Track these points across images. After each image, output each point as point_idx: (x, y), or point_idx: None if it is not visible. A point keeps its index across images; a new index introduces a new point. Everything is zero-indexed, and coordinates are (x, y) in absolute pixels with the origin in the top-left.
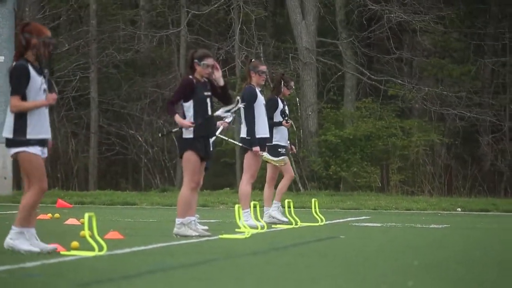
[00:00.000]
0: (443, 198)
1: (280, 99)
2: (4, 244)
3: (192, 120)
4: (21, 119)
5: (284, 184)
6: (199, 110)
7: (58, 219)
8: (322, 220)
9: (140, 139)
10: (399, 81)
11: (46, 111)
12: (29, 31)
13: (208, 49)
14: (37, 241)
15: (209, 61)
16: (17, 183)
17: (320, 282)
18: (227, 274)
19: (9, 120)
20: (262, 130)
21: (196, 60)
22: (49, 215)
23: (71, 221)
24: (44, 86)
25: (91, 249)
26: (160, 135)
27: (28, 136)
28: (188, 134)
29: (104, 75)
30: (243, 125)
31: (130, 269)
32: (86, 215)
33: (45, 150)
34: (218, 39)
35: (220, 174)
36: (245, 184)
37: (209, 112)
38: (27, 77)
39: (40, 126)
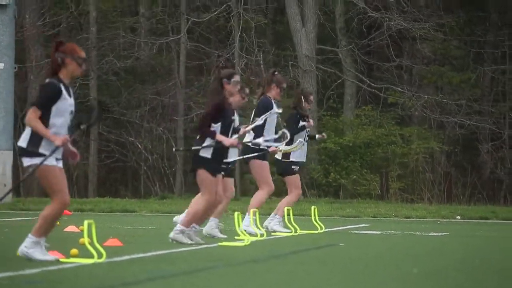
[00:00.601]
0: (442, 206)
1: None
2: (19, 251)
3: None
4: (38, 136)
5: (289, 200)
6: (224, 132)
7: (57, 227)
8: (321, 228)
9: (139, 146)
10: (399, 88)
11: (65, 130)
12: (63, 51)
13: (208, 57)
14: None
15: (237, 77)
16: (17, 190)
17: None
18: (226, 282)
19: (28, 130)
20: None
21: (225, 79)
22: None
23: (71, 228)
24: (72, 108)
25: (91, 256)
26: (174, 150)
27: (41, 150)
28: (205, 153)
29: (103, 82)
30: (250, 133)
31: (129, 277)
32: (86, 223)
33: (60, 162)
34: (218, 46)
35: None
36: (262, 194)
37: (229, 136)
38: (57, 96)
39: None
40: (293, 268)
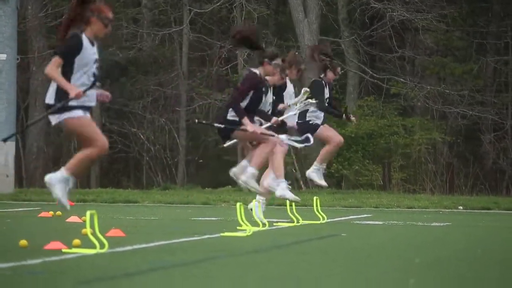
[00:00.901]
0: (444, 196)
1: (325, 82)
2: (46, 177)
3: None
4: (55, 81)
5: (327, 149)
6: (251, 108)
7: (59, 217)
8: (323, 218)
9: (142, 137)
10: (401, 79)
11: (90, 80)
12: (90, 9)
13: (210, 48)
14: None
15: (279, 60)
16: (19, 181)
17: (321, 280)
18: (228, 272)
19: (53, 86)
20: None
21: (266, 60)
22: (51, 212)
23: (73, 218)
24: (96, 56)
25: (93, 246)
26: (197, 122)
27: (70, 103)
28: (232, 116)
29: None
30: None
31: (131, 267)
32: (88, 213)
33: (87, 113)
34: (220, 37)
35: (222, 172)
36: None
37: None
38: (80, 47)
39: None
40: (295, 259)
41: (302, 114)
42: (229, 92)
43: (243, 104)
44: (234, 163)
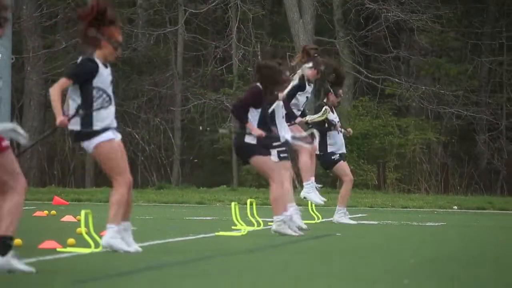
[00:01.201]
0: (439, 196)
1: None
2: (102, 243)
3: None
4: (86, 111)
5: (345, 189)
6: (263, 121)
7: (54, 216)
8: (318, 218)
9: (137, 136)
10: (396, 79)
11: (111, 107)
12: (101, 33)
13: (205, 48)
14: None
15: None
16: None
17: (316, 280)
18: (223, 272)
19: (73, 112)
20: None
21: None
22: (46, 212)
23: (68, 218)
24: (111, 77)
25: (88, 246)
26: (200, 128)
27: (95, 127)
28: (251, 140)
29: None
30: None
31: (126, 266)
32: (83, 212)
33: (118, 134)
34: (215, 37)
35: (217, 172)
36: (302, 156)
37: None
38: (95, 72)
39: (106, 118)
40: (290, 258)
41: (323, 145)
42: (224, 92)
43: (256, 117)
44: (229, 163)
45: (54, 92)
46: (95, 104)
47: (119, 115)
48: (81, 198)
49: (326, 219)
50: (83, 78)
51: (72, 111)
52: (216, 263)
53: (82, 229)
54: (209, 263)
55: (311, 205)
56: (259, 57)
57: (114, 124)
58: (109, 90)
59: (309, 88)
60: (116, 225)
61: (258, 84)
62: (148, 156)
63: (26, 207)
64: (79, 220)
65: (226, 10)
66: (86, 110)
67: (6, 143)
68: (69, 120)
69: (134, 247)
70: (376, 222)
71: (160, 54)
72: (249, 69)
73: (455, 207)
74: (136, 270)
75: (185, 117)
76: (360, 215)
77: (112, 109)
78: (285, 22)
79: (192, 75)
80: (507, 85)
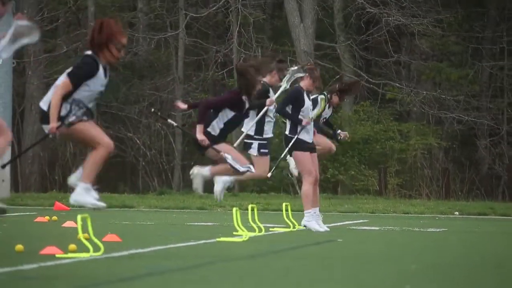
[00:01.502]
0: (440, 202)
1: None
2: (70, 199)
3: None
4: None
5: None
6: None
7: (55, 222)
8: None
9: (138, 141)
10: (397, 84)
11: (90, 104)
12: (106, 35)
13: (206, 52)
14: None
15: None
16: (15, 186)
17: (317, 286)
18: (225, 278)
19: (50, 93)
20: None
21: (279, 64)
22: (47, 217)
23: (69, 223)
24: (103, 88)
25: (88, 250)
26: (152, 110)
27: (62, 114)
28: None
29: None
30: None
31: (127, 272)
32: (79, 217)
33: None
34: (216, 41)
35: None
36: (304, 185)
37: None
38: (94, 73)
39: (78, 106)
40: (291, 264)
41: (293, 128)
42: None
43: (224, 119)
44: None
45: (57, 97)
46: (73, 115)
47: (120, 120)
48: None
49: (327, 225)
50: (82, 81)
51: (49, 95)
52: (217, 269)
53: (80, 234)
54: (210, 269)
55: None
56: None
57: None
58: (93, 97)
59: (308, 103)
60: (87, 183)
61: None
62: (149, 161)
63: (28, 213)
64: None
65: (227, 14)
66: (71, 120)
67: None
68: (57, 128)
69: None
70: (377, 228)
71: (161, 58)
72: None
73: (457, 212)
74: (137, 275)
75: (186, 122)
76: (361, 220)
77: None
78: (286, 27)
79: (193, 80)
80: (508, 90)
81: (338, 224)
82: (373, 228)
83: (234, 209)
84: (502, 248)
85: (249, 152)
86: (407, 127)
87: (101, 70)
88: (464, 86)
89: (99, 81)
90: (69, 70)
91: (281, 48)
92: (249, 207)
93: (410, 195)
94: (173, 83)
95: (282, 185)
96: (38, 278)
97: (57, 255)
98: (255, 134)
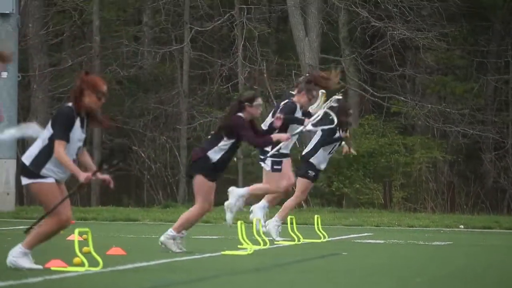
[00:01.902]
0: (445, 215)
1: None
2: (7, 261)
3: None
4: (44, 157)
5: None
6: (233, 150)
7: (60, 235)
8: (324, 237)
9: (143, 155)
10: (402, 98)
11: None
12: (85, 82)
13: (211, 66)
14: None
15: (259, 101)
16: (20, 199)
17: None
18: None
19: (36, 146)
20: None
21: (247, 103)
22: None
23: (74, 237)
24: (81, 143)
25: (95, 264)
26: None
27: (42, 173)
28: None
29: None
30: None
31: (132, 285)
32: (76, 231)
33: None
34: (221, 55)
35: (223, 191)
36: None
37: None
38: (71, 125)
39: (58, 170)
40: (296, 277)
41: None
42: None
43: (226, 147)
44: (235, 181)
45: (61, 155)
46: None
47: (125, 133)
48: (87, 216)
49: (332, 239)
50: (66, 133)
51: (34, 148)
52: (221, 282)
53: (76, 248)
54: (214, 282)
55: (317, 224)
56: (265, 75)
57: (64, 175)
58: (74, 151)
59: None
60: (26, 248)
61: (241, 114)
62: (154, 174)
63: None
64: (85, 239)
65: (231, 28)
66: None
67: None
68: (93, 175)
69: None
70: (382, 241)
71: (166, 72)
72: (254, 87)
73: (462, 226)
74: None
75: (191, 135)
76: (366, 234)
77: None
78: (290, 40)
79: (197, 93)
80: None
81: (343, 237)
82: (378, 241)
83: (239, 222)
84: (507, 262)
85: (262, 165)
86: (412, 141)
87: (77, 123)
88: (469, 99)
89: (75, 134)
90: (52, 127)
91: (286, 61)
92: (254, 220)
93: (415, 209)
94: (178, 96)
95: (286, 197)
96: None
97: (60, 268)
98: (271, 149)
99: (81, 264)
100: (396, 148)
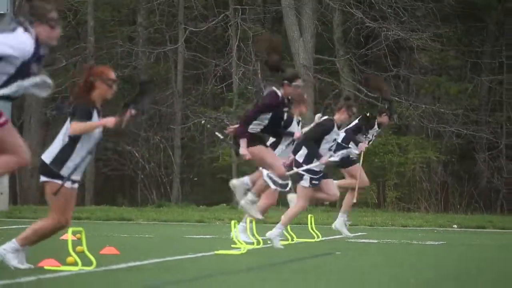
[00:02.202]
0: (439, 215)
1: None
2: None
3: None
4: (65, 156)
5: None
6: (270, 127)
7: (54, 234)
8: (318, 236)
9: (137, 155)
10: (396, 98)
11: (88, 159)
12: (92, 74)
13: (205, 66)
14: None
15: (299, 82)
16: (14, 198)
17: None
18: None
19: (55, 148)
20: None
21: (286, 81)
22: None
23: (67, 236)
24: (100, 134)
25: (88, 264)
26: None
27: (62, 172)
28: None
29: None
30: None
31: (125, 285)
32: (70, 230)
33: (76, 184)
34: (215, 55)
35: (217, 190)
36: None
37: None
38: (89, 118)
39: (76, 171)
40: (289, 277)
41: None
42: (224, 110)
43: (262, 124)
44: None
45: (80, 126)
46: (76, 151)
47: (119, 133)
48: (80, 216)
49: (326, 238)
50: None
51: (55, 146)
52: (215, 282)
53: (69, 247)
54: (208, 281)
55: (311, 223)
56: (259, 75)
57: (79, 176)
58: (93, 142)
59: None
60: (20, 245)
61: (277, 91)
62: (148, 174)
63: (26, 225)
64: (79, 238)
65: (226, 28)
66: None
67: (4, 118)
68: (119, 117)
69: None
70: (376, 241)
71: (160, 72)
72: (249, 87)
73: (455, 226)
74: None
75: (185, 135)
76: (360, 233)
77: (86, 163)
78: (285, 41)
79: (192, 93)
80: (507, 104)
81: (337, 237)
82: (371, 241)
83: (233, 221)
84: (501, 261)
85: (300, 183)
86: (406, 141)
87: (94, 115)
88: (463, 100)
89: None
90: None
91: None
92: (248, 219)
93: (409, 208)
94: (172, 96)
95: (280, 198)
96: None
97: (52, 268)
98: (304, 162)
99: (75, 264)
100: (390, 148)
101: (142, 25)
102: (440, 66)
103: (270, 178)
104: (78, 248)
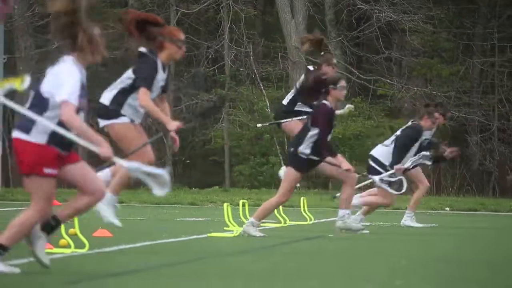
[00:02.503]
0: (431, 198)
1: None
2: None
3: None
4: (124, 96)
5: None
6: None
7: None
8: (310, 219)
9: None
10: (388, 80)
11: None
12: (162, 34)
13: (197, 48)
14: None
15: (343, 83)
16: (6, 180)
17: (308, 281)
18: (215, 273)
19: (114, 90)
20: None
21: (331, 86)
22: None
23: None
24: (163, 83)
25: (80, 246)
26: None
27: (122, 112)
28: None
29: (93, 73)
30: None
31: (118, 267)
32: None
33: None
34: (207, 38)
35: (209, 173)
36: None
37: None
38: (155, 72)
39: (135, 110)
40: (281, 259)
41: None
42: (216, 92)
43: (315, 137)
44: (221, 164)
45: (146, 102)
46: (130, 99)
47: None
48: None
49: (318, 221)
50: (152, 82)
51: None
52: (208, 264)
53: (62, 230)
54: (201, 264)
55: (304, 206)
56: (251, 57)
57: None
58: (155, 94)
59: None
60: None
61: (327, 102)
62: None
63: (18, 208)
64: (71, 221)
65: (218, 10)
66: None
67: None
68: (184, 124)
69: None
70: (368, 223)
71: None
72: (241, 69)
73: (447, 208)
74: (128, 271)
75: (177, 118)
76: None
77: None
78: (277, 23)
79: (184, 76)
80: (498, 86)
81: (329, 219)
82: (363, 223)
83: (225, 204)
84: (492, 243)
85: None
86: (398, 123)
87: (160, 68)
88: (455, 82)
89: (158, 79)
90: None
91: (273, 44)
92: (240, 202)
93: None
94: None
95: (273, 180)
96: (28, 273)
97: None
98: (390, 165)
99: (67, 246)
100: (382, 130)
101: (133, 6)
102: (432, 48)
103: (383, 181)
104: (71, 230)
